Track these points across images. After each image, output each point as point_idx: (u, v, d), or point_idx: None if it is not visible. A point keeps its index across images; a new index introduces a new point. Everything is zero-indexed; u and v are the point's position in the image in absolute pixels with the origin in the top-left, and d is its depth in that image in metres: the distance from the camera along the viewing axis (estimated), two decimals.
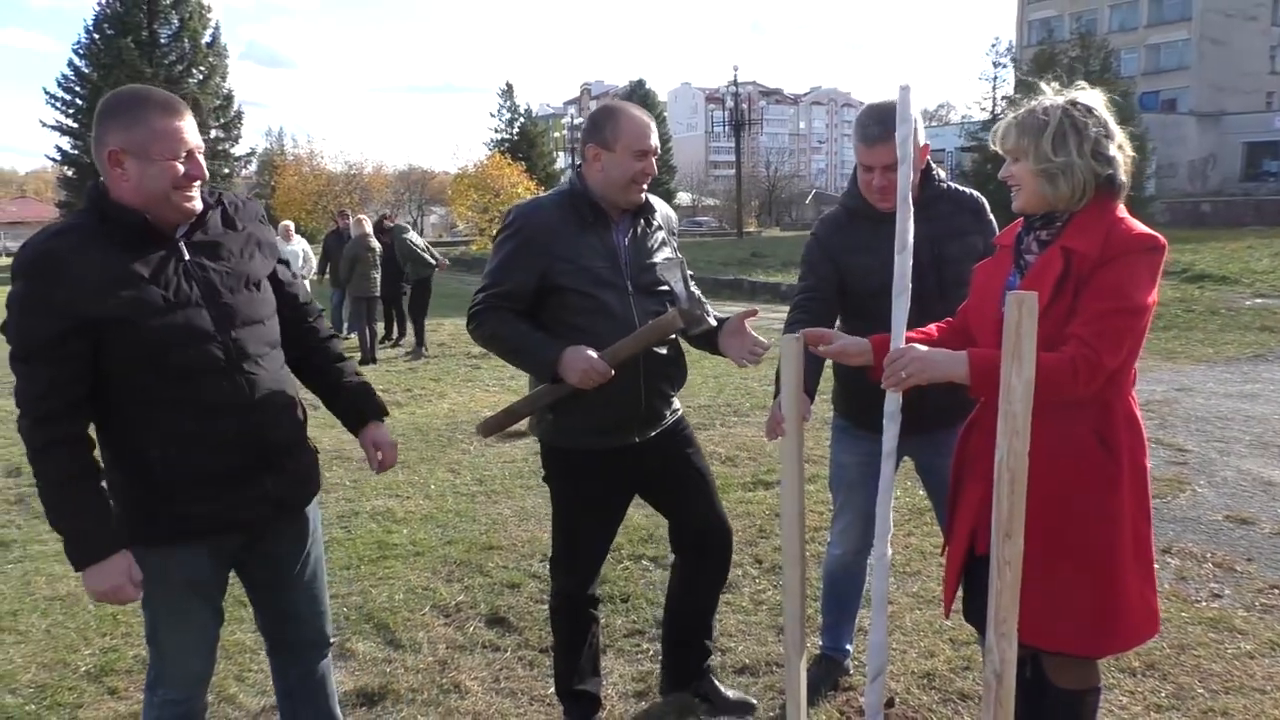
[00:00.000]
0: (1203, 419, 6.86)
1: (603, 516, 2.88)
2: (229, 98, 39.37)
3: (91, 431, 2.10)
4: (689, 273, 2.95)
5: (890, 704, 3.05)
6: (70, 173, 38.43)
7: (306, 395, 2.41)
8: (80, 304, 1.97)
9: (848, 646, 3.29)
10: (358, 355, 11.19)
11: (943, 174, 2.96)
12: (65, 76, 37.12)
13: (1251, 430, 6.51)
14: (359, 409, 2.47)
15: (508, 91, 49.08)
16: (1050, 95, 2.13)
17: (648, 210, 2.76)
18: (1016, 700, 1.96)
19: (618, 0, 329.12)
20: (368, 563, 4.53)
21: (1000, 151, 2.19)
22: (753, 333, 2.73)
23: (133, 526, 2.11)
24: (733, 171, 54.75)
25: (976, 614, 2.28)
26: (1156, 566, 2.27)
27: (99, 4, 36.76)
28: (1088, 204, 2.10)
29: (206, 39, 38.35)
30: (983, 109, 43.11)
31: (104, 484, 2.07)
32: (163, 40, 37.44)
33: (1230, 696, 3.07)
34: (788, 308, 2.96)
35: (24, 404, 2.02)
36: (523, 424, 2.84)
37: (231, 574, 2.34)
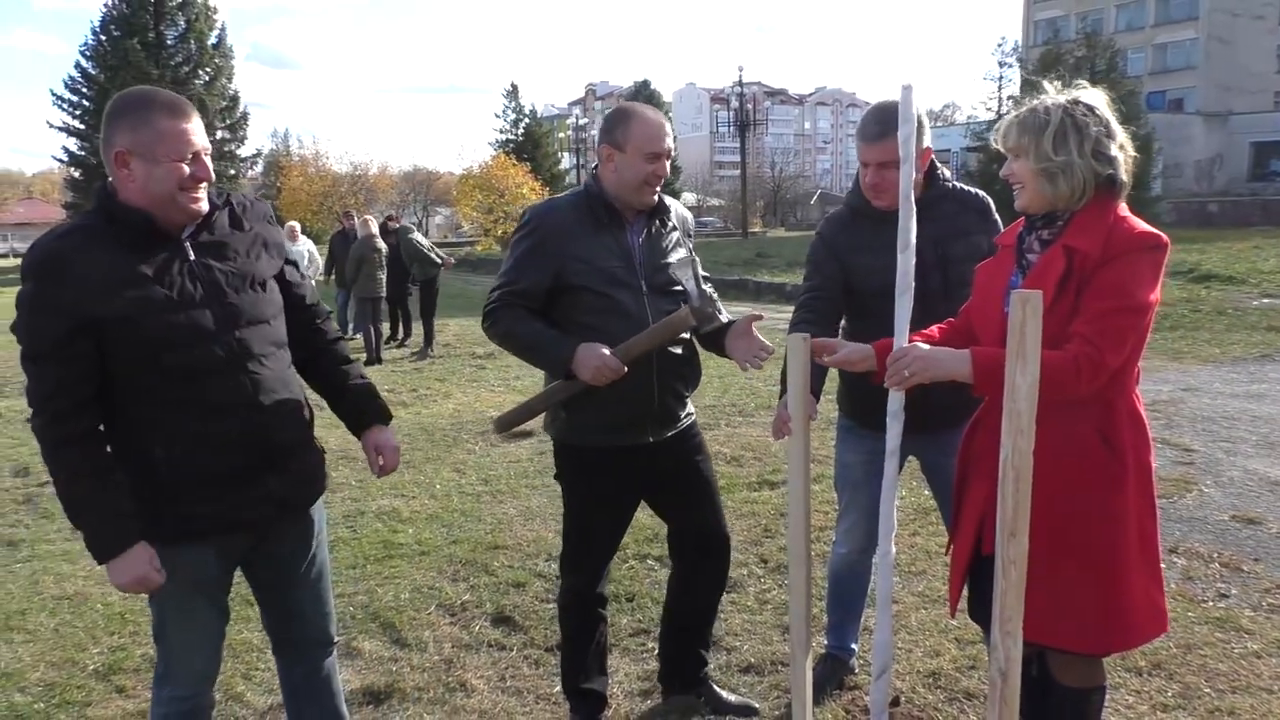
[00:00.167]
0: (1209, 419, 6.85)
1: (613, 515, 2.89)
2: (235, 99, 39.46)
3: (101, 429, 2.11)
4: (701, 272, 2.97)
5: (895, 703, 3.05)
6: (77, 174, 38.52)
7: (313, 395, 2.42)
8: (86, 304, 1.99)
9: (853, 645, 3.29)
10: (363, 356, 11.22)
11: (948, 174, 2.97)
12: (72, 78, 37.22)
13: (1258, 430, 6.50)
14: (362, 412, 2.48)
15: (512, 92, 49.11)
16: (1052, 94, 2.14)
17: (662, 211, 2.79)
18: (1022, 699, 1.96)
19: (622, 1, 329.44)
20: (373, 562, 4.54)
21: (1002, 149, 2.20)
22: (760, 337, 2.75)
23: (139, 525, 2.12)
24: (737, 172, 54.83)
25: (982, 613, 2.29)
26: (1163, 566, 2.26)
27: (105, 6, 36.88)
28: (1089, 203, 2.10)
29: (212, 40, 38.42)
30: (988, 109, 43.18)
31: (120, 478, 2.08)
32: (169, 42, 37.53)
33: (1237, 696, 3.06)
34: (792, 307, 2.97)
35: (35, 403, 2.05)
36: (530, 424, 2.86)
37: (238, 573, 2.36)
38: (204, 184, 2.11)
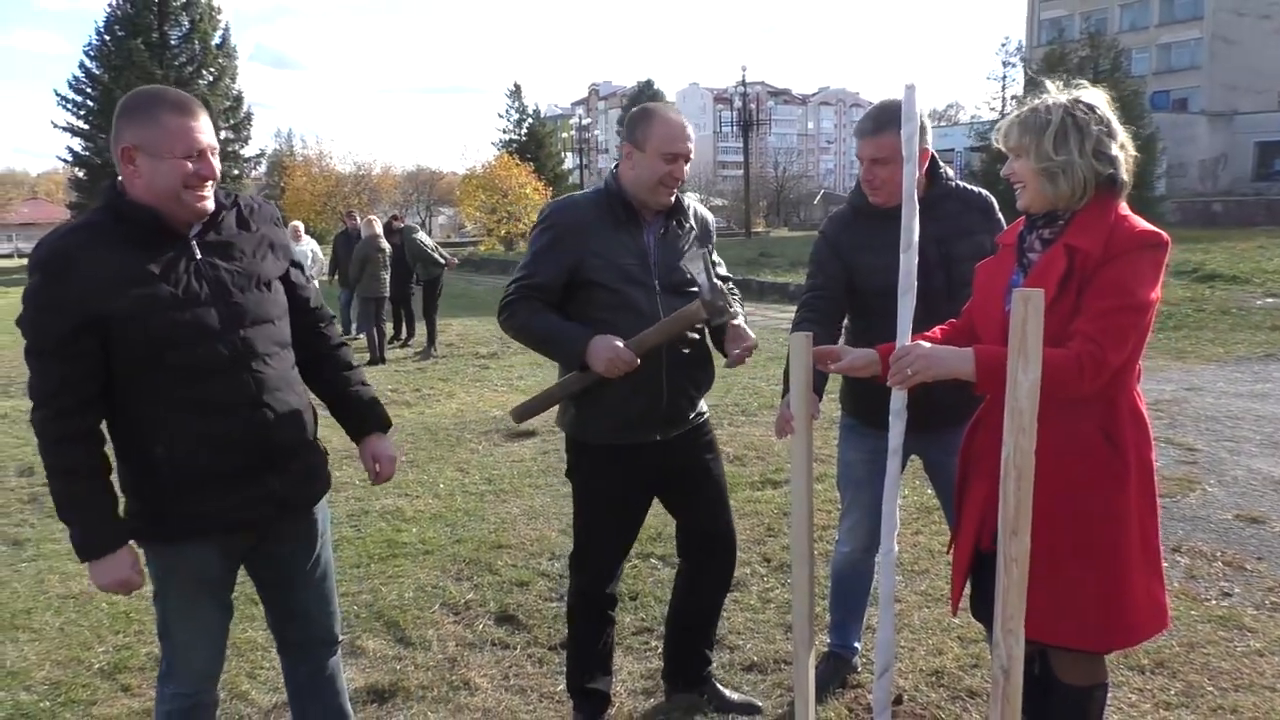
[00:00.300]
0: (1213, 418, 6.84)
1: (620, 515, 2.90)
2: (239, 99, 39.48)
3: (102, 427, 2.12)
4: (722, 271, 2.99)
5: (898, 701, 3.06)
6: (81, 174, 38.54)
7: (314, 398, 2.43)
8: (92, 301, 2.00)
9: (856, 644, 3.29)
10: (366, 356, 11.23)
11: (951, 173, 2.98)
12: (76, 78, 37.22)
13: (1262, 430, 6.49)
14: (362, 419, 2.48)
15: (516, 92, 49.10)
16: (1054, 93, 2.14)
17: (679, 211, 2.81)
18: (1024, 697, 1.97)
19: (625, 1, 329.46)
20: (377, 561, 4.55)
21: (1003, 149, 2.20)
22: (746, 329, 2.76)
23: (141, 524, 2.14)
24: (741, 171, 54.75)
25: (984, 611, 2.29)
26: (1166, 565, 2.27)
27: (110, 6, 36.92)
28: (1090, 202, 2.11)
29: (216, 40, 38.43)
30: (992, 109, 43.22)
31: (112, 479, 2.10)
32: (173, 42, 37.52)
33: (1239, 694, 3.06)
34: (796, 307, 2.98)
35: (37, 398, 2.06)
36: (533, 423, 2.87)
37: (243, 572, 2.37)
38: (210, 182, 2.11)
